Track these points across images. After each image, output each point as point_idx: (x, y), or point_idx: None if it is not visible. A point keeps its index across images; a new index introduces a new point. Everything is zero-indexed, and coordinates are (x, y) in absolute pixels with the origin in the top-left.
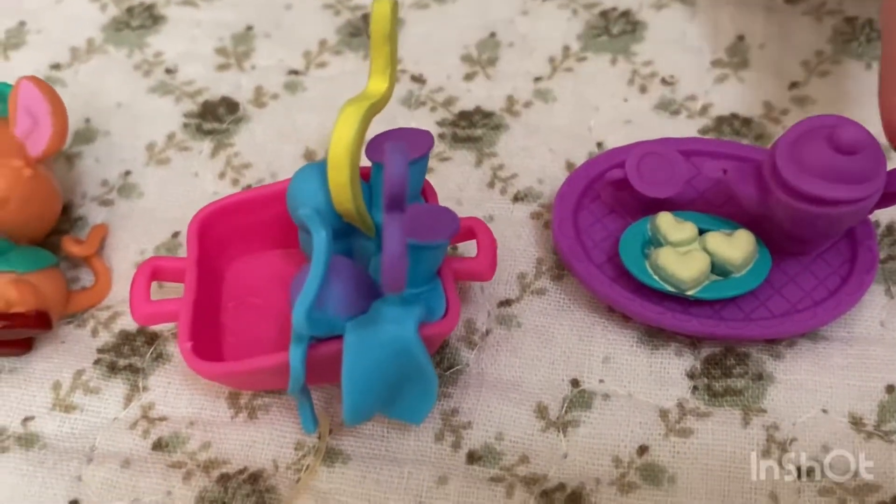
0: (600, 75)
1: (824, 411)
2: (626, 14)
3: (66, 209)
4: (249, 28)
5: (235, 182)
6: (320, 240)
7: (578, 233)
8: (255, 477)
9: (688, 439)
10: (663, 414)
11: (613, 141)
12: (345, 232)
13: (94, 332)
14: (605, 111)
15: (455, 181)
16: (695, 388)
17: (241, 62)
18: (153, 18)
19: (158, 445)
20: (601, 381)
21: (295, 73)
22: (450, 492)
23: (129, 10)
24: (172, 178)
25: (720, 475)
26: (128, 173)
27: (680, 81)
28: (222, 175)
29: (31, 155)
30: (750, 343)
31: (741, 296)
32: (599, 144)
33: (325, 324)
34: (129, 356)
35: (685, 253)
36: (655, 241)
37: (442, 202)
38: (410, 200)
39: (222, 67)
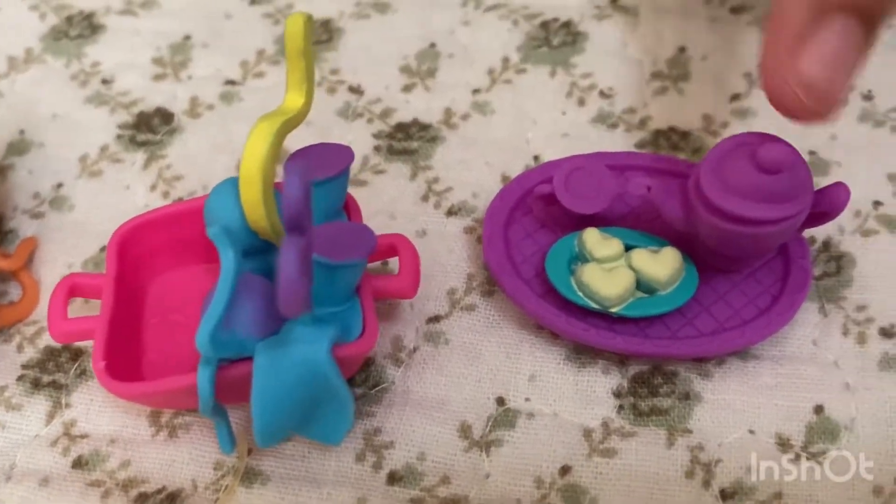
0: (539, 87)
1: (751, 432)
2: (567, 25)
3: None
4: (188, 37)
5: (166, 195)
6: (227, 260)
7: (508, 247)
8: (173, 497)
9: (611, 460)
10: (587, 433)
11: (551, 154)
12: (262, 249)
13: (20, 348)
14: (542, 124)
15: (389, 194)
16: (620, 407)
17: (177, 72)
18: (92, 28)
19: (78, 464)
20: (527, 399)
21: (232, 83)
22: None
23: (69, 19)
24: (104, 191)
25: (643, 496)
26: (60, 185)
27: (619, 94)
28: (153, 187)
29: None
30: (678, 361)
31: (668, 314)
32: (536, 158)
33: (234, 345)
34: (53, 372)
35: (610, 270)
36: (582, 257)
37: (375, 216)
38: (330, 218)
39: (159, 77)
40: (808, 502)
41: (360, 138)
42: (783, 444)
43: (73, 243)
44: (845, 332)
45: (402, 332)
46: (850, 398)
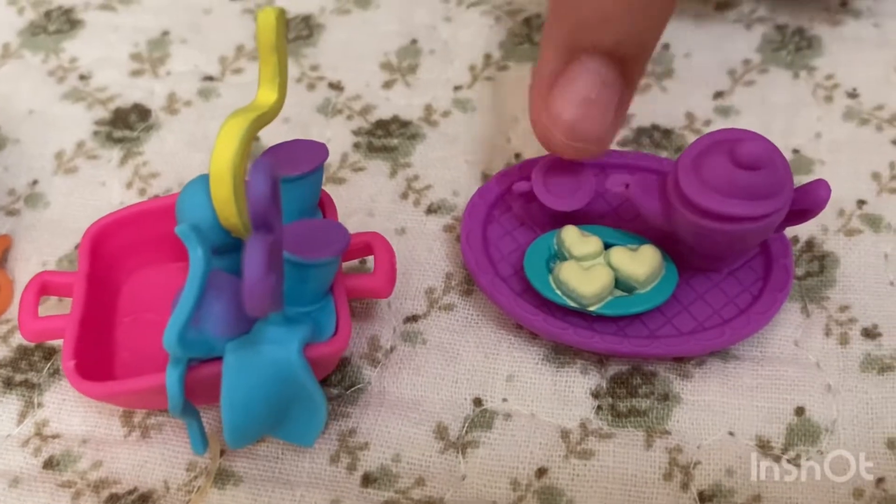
0: (521, 85)
1: (731, 433)
2: None
3: None
4: (166, 33)
5: (143, 192)
6: (195, 258)
7: (487, 245)
8: (145, 497)
9: (588, 461)
10: (565, 434)
11: (532, 152)
12: (234, 247)
13: None
14: (524, 121)
15: (368, 192)
16: (599, 407)
17: (155, 68)
18: (70, 23)
19: (49, 464)
20: (504, 399)
21: (210, 78)
22: None
23: (47, 14)
24: (79, 188)
25: (620, 499)
26: (35, 182)
27: None
28: (129, 185)
29: None
30: (658, 361)
31: (647, 313)
32: (517, 156)
33: (203, 345)
34: (25, 371)
35: (588, 268)
36: (560, 255)
37: (353, 214)
38: (304, 215)
39: (136, 73)
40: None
41: (339, 135)
42: (763, 445)
43: (47, 241)
44: (827, 333)
45: (378, 332)
46: (832, 400)
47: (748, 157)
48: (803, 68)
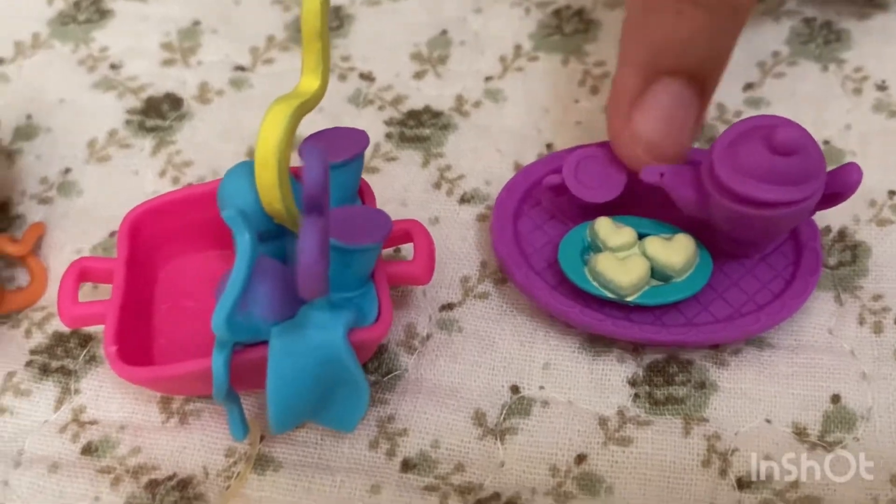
0: (552, 75)
1: (768, 421)
2: (579, 13)
3: (5, 207)
4: (196, 23)
5: (176, 180)
6: (243, 242)
7: (518, 239)
8: (184, 483)
9: (627, 448)
10: (603, 422)
11: (563, 142)
12: (277, 233)
13: (28, 334)
14: (555, 112)
15: (401, 182)
16: (636, 395)
17: (186, 58)
18: (100, 13)
19: (88, 450)
20: (541, 387)
21: (241, 69)
22: (382, 501)
23: (76, 4)
24: (112, 177)
25: (659, 485)
26: (68, 171)
27: None
28: (163, 173)
29: None
30: (694, 350)
31: (683, 301)
32: (549, 146)
33: (249, 329)
34: (62, 358)
35: (624, 258)
36: (594, 247)
37: (387, 203)
38: (345, 202)
39: (167, 63)
40: (825, 490)
41: (371, 125)
42: (800, 433)
43: (81, 229)
44: (861, 322)
45: (414, 320)
46: (867, 387)
47: (784, 142)
48: (832, 61)
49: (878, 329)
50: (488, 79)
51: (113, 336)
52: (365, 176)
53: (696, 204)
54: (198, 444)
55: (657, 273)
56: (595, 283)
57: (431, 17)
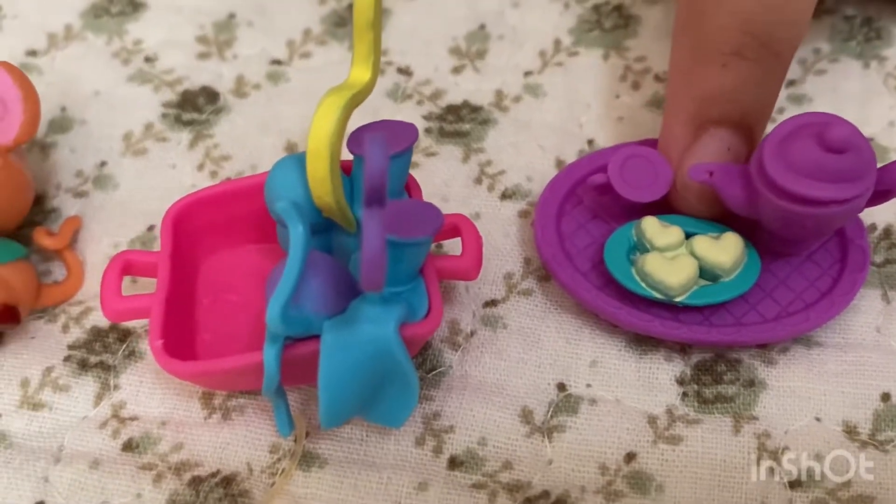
0: (592, 70)
1: (817, 419)
2: (618, 8)
3: (40, 200)
4: (232, 16)
5: (214, 174)
6: (297, 234)
7: (562, 240)
8: (228, 480)
9: (677, 447)
10: (651, 420)
11: (604, 138)
12: (324, 227)
13: (65, 328)
14: (596, 107)
15: (441, 177)
16: (684, 394)
17: (222, 51)
18: (133, 5)
19: (129, 446)
20: (588, 385)
21: (278, 62)
22: (430, 498)
23: None
24: (149, 170)
25: (710, 484)
26: (103, 164)
27: None
28: (201, 167)
29: (1, 144)
30: (742, 349)
31: (730, 300)
32: (590, 142)
33: (302, 322)
34: (100, 353)
35: (672, 258)
36: (641, 247)
37: (427, 198)
38: (393, 196)
39: (203, 56)
40: (879, 490)
41: (409, 120)
42: (850, 431)
43: (118, 222)
44: None
45: (458, 316)
46: None
47: (837, 140)
48: (874, 58)
49: None
50: (528, 73)
51: (159, 330)
52: None
53: (745, 202)
54: (241, 441)
55: (705, 273)
56: (643, 284)
57: (469, 11)
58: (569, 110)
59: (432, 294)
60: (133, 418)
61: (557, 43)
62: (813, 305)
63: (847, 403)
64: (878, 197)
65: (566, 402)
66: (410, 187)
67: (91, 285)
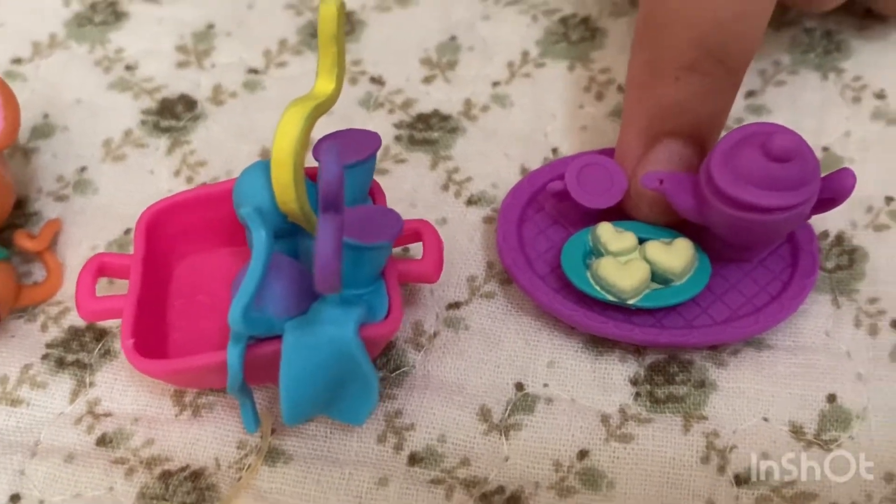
0: (558, 82)
1: (765, 419)
2: (585, 21)
3: (22, 204)
4: (210, 26)
5: (190, 180)
6: (259, 239)
7: (522, 244)
8: (196, 475)
9: (628, 445)
10: (605, 419)
11: (568, 147)
12: (290, 231)
13: (44, 327)
14: (561, 117)
15: (410, 183)
16: (637, 394)
17: (201, 60)
18: (116, 15)
19: (102, 441)
20: (545, 385)
21: (254, 71)
22: (389, 493)
23: (93, 6)
24: (127, 175)
25: (659, 481)
26: (83, 169)
27: None
28: (177, 173)
29: None
30: (694, 350)
31: (683, 304)
32: (555, 150)
33: (264, 323)
34: (77, 352)
35: (625, 262)
36: (596, 252)
37: (396, 204)
38: (357, 202)
39: (182, 65)
40: (821, 488)
41: (381, 128)
42: (796, 431)
43: (96, 226)
44: (857, 324)
45: (422, 318)
46: (862, 388)
47: (780, 149)
48: (832, 70)
49: (873, 331)
50: (496, 84)
51: (130, 330)
52: (375, 177)
53: (695, 209)
54: (210, 437)
55: (657, 277)
56: (597, 287)
57: (441, 23)
58: (535, 120)
59: (392, 296)
60: (107, 414)
61: (525, 54)
62: (762, 309)
63: (794, 404)
64: (824, 204)
65: (523, 401)
66: (375, 193)
67: (70, 286)
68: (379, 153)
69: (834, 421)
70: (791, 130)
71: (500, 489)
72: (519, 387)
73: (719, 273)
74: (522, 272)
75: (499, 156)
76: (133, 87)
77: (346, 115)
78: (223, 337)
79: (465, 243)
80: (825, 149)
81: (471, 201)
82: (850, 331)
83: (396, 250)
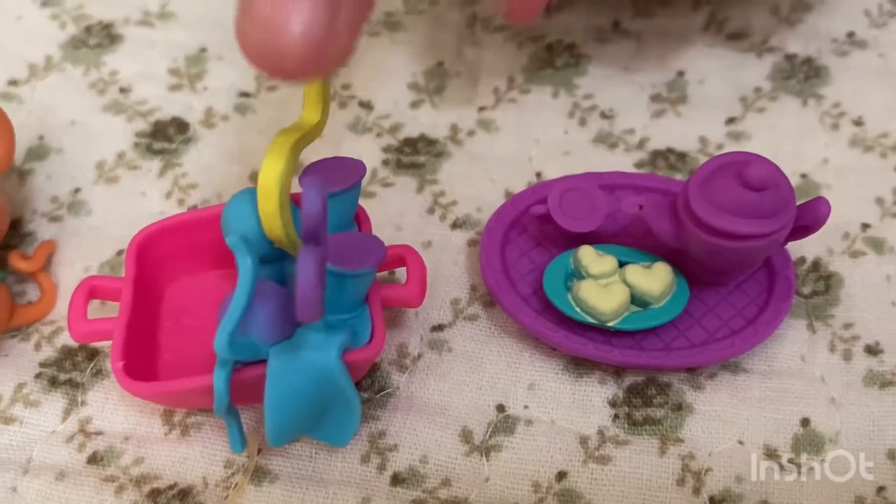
0: (542, 107)
1: (740, 442)
2: (570, 47)
3: (17, 224)
4: (203, 50)
5: (181, 202)
6: (245, 267)
7: (506, 267)
8: (184, 493)
9: (606, 466)
10: (583, 441)
11: (552, 171)
12: (277, 256)
13: (38, 347)
14: (545, 143)
15: (396, 207)
16: (616, 416)
17: (193, 83)
18: (110, 38)
19: (93, 459)
20: (526, 406)
21: (246, 95)
22: None
23: (88, 29)
24: (120, 197)
25: (635, 502)
26: (77, 191)
27: (619, 115)
28: (169, 195)
29: None
30: (672, 373)
31: (661, 326)
32: (538, 174)
33: (249, 349)
34: (69, 371)
35: (606, 285)
36: (577, 274)
37: (383, 227)
38: (342, 228)
39: (175, 88)
40: None
41: (369, 152)
42: (770, 454)
43: (90, 247)
44: (832, 349)
45: (406, 340)
46: (836, 412)
47: (756, 178)
48: (812, 96)
49: (847, 356)
50: (482, 109)
51: (120, 352)
52: (362, 201)
53: (673, 235)
54: (198, 456)
55: (637, 300)
56: (578, 309)
57: (429, 49)
58: (519, 145)
59: (376, 321)
60: (98, 433)
61: (511, 80)
62: (738, 332)
63: (769, 428)
64: (800, 232)
65: (504, 422)
66: (360, 219)
67: (63, 306)
68: (367, 177)
69: (807, 444)
70: (766, 160)
71: None
72: (500, 408)
73: (697, 296)
74: (506, 293)
75: (483, 179)
76: (127, 109)
77: (336, 139)
78: (212, 358)
79: (450, 266)
80: (803, 175)
81: (456, 224)
82: (825, 356)
83: (381, 274)
